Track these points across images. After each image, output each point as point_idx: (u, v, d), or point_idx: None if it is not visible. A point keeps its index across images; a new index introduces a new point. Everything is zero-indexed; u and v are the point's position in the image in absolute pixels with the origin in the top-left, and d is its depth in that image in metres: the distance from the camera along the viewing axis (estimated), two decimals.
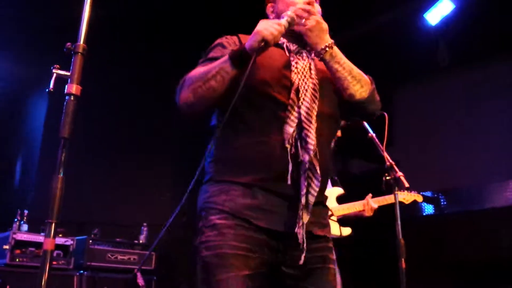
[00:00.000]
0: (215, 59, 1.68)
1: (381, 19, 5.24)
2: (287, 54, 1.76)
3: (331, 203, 3.28)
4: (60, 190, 1.38)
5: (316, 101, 1.68)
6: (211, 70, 1.60)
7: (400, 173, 2.70)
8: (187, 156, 5.41)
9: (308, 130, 1.61)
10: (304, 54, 1.77)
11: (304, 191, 1.59)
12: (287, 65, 1.71)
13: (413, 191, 3.75)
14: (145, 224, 4.53)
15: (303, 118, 1.62)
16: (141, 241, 4.36)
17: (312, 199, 1.60)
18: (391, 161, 2.76)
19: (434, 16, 4.90)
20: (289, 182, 1.57)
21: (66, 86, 1.44)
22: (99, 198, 4.87)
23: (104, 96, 4.95)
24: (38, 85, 4.94)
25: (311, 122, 1.63)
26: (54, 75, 1.46)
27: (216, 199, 1.62)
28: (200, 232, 1.63)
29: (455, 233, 5.37)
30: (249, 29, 1.70)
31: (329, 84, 1.82)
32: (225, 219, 1.58)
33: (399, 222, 2.64)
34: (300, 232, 1.58)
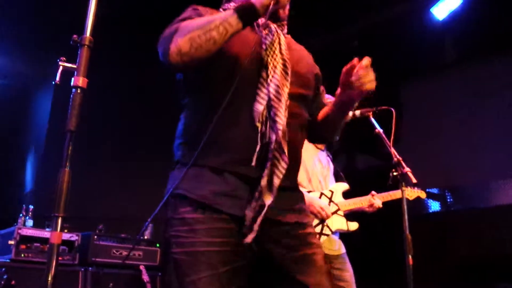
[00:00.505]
0: (199, 16, 1.61)
1: (388, 13, 5.20)
2: (256, 28, 1.69)
3: (337, 198, 3.26)
4: (66, 183, 1.37)
5: (287, 78, 1.60)
6: (213, 21, 1.48)
7: (407, 169, 2.69)
8: None
9: (277, 109, 1.53)
10: (273, 28, 1.69)
11: (266, 171, 1.49)
12: (256, 40, 1.60)
13: (416, 188, 3.73)
14: (149, 220, 4.52)
15: (272, 96, 1.54)
16: (146, 237, 4.35)
17: (277, 181, 1.49)
18: (398, 156, 2.74)
19: (441, 11, 4.86)
20: (253, 163, 1.49)
21: (73, 78, 1.43)
22: (104, 194, 4.87)
23: (112, 90, 4.95)
24: (42, 80, 4.94)
25: (280, 100, 1.55)
26: (61, 67, 1.45)
27: (185, 186, 1.52)
28: (170, 223, 1.52)
29: (461, 230, 5.35)
30: None
31: (305, 64, 1.78)
32: (195, 213, 1.47)
33: (406, 217, 2.63)
34: (249, 214, 1.47)
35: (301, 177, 3.33)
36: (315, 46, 5.52)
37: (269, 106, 1.54)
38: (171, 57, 1.49)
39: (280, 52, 1.64)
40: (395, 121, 2.98)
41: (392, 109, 3.03)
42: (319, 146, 3.34)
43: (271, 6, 1.50)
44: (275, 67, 1.59)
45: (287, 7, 1.77)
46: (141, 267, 3.88)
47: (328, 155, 3.47)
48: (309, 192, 3.15)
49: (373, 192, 3.39)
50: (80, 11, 1.73)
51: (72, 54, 1.49)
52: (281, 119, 1.52)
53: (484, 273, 4.96)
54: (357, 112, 3.04)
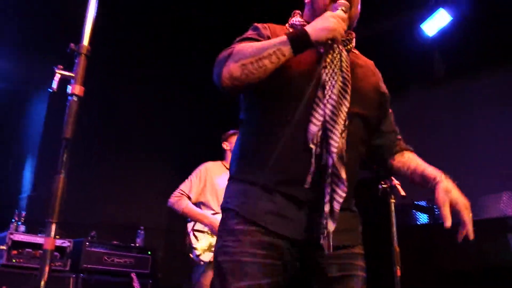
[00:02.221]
0: (257, 40, 1.61)
1: (378, 28, 5.28)
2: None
3: None
4: (61, 190, 1.39)
5: (347, 97, 1.56)
6: (266, 48, 1.49)
7: (396, 182, 2.74)
8: (187, 159, 5.43)
9: (331, 131, 1.50)
10: (335, 45, 1.59)
11: (327, 197, 1.48)
12: (317, 58, 1.59)
13: None
14: (142, 227, 4.53)
15: (327, 117, 1.51)
16: (138, 244, 4.36)
17: (337, 207, 1.48)
18: None
19: (431, 27, 4.93)
20: (306, 185, 1.48)
21: (70, 86, 1.45)
22: (97, 200, 4.87)
23: (103, 97, 4.96)
24: (37, 86, 4.95)
25: (335, 122, 1.51)
26: (58, 75, 1.48)
27: (234, 201, 1.57)
28: (219, 235, 1.58)
29: (449, 243, 5.38)
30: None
31: (369, 82, 1.74)
32: (242, 225, 1.51)
33: (394, 229, 2.68)
34: (326, 244, 1.47)
35: (209, 197, 3.45)
36: None
37: (324, 128, 1.51)
38: (223, 81, 1.52)
39: (340, 70, 1.59)
40: None
41: None
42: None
43: (328, 44, 1.51)
44: (333, 86, 1.55)
45: (356, 19, 1.74)
46: (132, 275, 3.89)
47: None
48: (215, 213, 3.34)
49: None
50: (77, 18, 1.76)
51: (69, 60, 1.52)
52: (336, 141, 1.50)
53: (470, 285, 4.99)
54: None
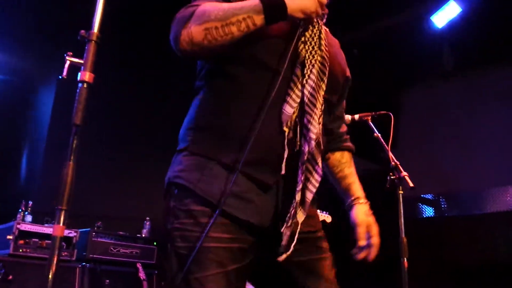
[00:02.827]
0: None
1: (388, 21, 5.25)
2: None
3: None
4: (71, 177, 1.38)
5: (324, 80, 1.45)
6: (236, 13, 1.31)
7: (404, 173, 2.72)
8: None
9: (310, 115, 1.38)
10: (314, 20, 1.47)
11: (300, 185, 1.37)
12: (293, 32, 1.41)
13: (323, 212, 3.83)
14: (148, 218, 4.54)
15: (306, 99, 1.38)
16: (144, 235, 4.37)
17: (310, 196, 1.39)
18: (396, 161, 2.77)
19: (440, 19, 4.90)
20: (283, 171, 1.35)
21: (80, 73, 1.44)
22: (103, 191, 4.88)
23: (114, 88, 4.95)
24: (45, 75, 4.94)
25: (315, 106, 1.39)
26: (68, 62, 1.47)
27: (189, 176, 1.39)
28: (173, 214, 1.40)
29: (455, 236, 5.38)
30: None
31: (338, 64, 1.60)
32: (200, 205, 1.35)
33: (402, 220, 2.66)
34: (287, 233, 1.37)
35: None
36: None
37: (302, 111, 1.39)
38: (180, 44, 1.37)
39: (319, 48, 1.46)
40: (393, 126, 3.02)
41: (390, 113, 3.07)
42: None
43: (301, 23, 1.41)
44: (313, 66, 1.41)
45: None
46: (138, 265, 3.90)
47: None
48: None
49: None
50: (84, 7, 1.73)
51: (76, 50, 1.50)
52: (315, 127, 1.38)
53: (477, 279, 4.98)
54: (356, 116, 3.07)
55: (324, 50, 1.48)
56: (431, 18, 4.94)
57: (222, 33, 1.32)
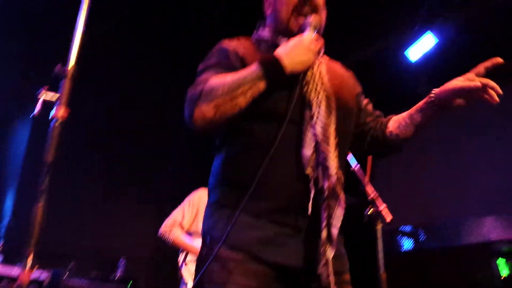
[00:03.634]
0: (227, 67, 1.52)
1: (364, 54, 5.35)
2: None
3: None
4: (40, 217, 1.33)
5: (333, 114, 1.50)
6: (241, 84, 1.40)
7: (382, 207, 2.71)
8: (169, 187, 5.36)
9: (325, 153, 1.43)
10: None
11: (324, 222, 1.39)
12: (296, 74, 1.48)
13: None
14: (123, 257, 4.42)
15: (319, 139, 1.43)
16: (118, 275, 4.24)
17: (335, 232, 1.40)
18: (373, 194, 2.76)
19: (415, 52, 4.99)
20: (309, 212, 1.38)
21: (54, 109, 1.41)
22: (77, 229, 4.77)
23: (87, 122, 4.90)
24: (21, 110, 4.87)
25: (328, 143, 1.44)
26: (41, 98, 1.44)
27: (220, 226, 1.43)
28: (202, 261, 1.43)
29: (434, 268, 5.38)
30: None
31: (347, 89, 1.68)
32: (230, 251, 1.38)
33: (381, 256, 2.64)
34: (325, 272, 1.37)
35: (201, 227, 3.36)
36: None
37: (318, 151, 1.43)
38: (195, 124, 1.43)
39: (322, 85, 1.53)
40: (371, 159, 3.02)
41: None
42: None
43: (301, 76, 1.49)
44: (319, 105, 1.47)
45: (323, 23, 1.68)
46: None
47: None
48: None
49: None
50: (63, 43, 1.72)
51: (55, 83, 1.48)
52: (332, 163, 1.43)
53: None
54: None
55: (327, 85, 1.54)
56: (405, 52, 5.03)
57: (231, 106, 1.40)
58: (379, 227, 2.75)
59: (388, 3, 4.79)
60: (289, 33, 1.59)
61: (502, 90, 1.50)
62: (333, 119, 1.50)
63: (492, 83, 1.50)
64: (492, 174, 5.26)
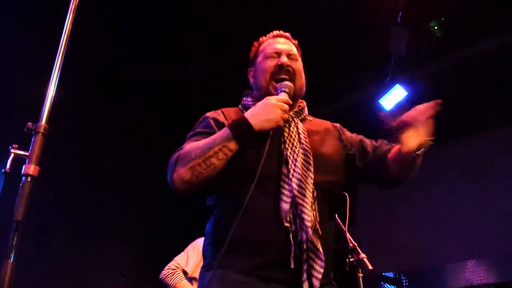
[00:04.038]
0: (207, 134, 1.62)
1: (338, 104, 5.48)
2: None
3: None
4: (9, 276, 1.29)
5: (310, 169, 1.56)
6: (211, 146, 1.49)
7: (363, 255, 2.70)
8: (147, 241, 5.27)
9: (302, 205, 1.47)
10: (290, 118, 1.66)
11: (305, 275, 1.42)
12: (274, 134, 1.57)
13: None
14: None
15: (295, 192, 1.49)
16: None
17: (317, 283, 1.42)
18: (354, 242, 2.76)
19: (388, 102, 5.12)
20: (292, 265, 1.42)
21: (24, 166, 1.39)
22: (51, 283, 4.60)
23: (59, 178, 4.83)
24: None
25: (304, 196, 1.49)
26: (12, 155, 1.42)
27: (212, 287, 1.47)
28: None
29: None
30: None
31: (329, 145, 1.74)
32: None
33: None
34: None
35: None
36: None
37: (295, 204, 1.48)
38: (176, 186, 1.52)
39: (300, 142, 1.61)
40: (349, 206, 3.02)
41: (346, 193, 3.09)
42: None
43: (270, 132, 1.55)
44: (296, 160, 1.54)
45: (303, 88, 1.80)
46: None
47: None
48: None
49: None
50: (34, 98, 1.72)
51: (23, 140, 1.47)
52: (308, 215, 1.47)
53: None
54: None
55: (304, 143, 1.61)
56: (379, 101, 5.16)
57: (205, 167, 1.48)
58: (360, 274, 2.73)
59: (363, 56, 4.96)
60: (267, 96, 1.67)
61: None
62: (310, 174, 1.55)
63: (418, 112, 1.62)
64: (469, 219, 5.31)
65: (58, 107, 1.52)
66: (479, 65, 4.83)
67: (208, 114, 1.75)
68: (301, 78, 1.79)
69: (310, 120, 1.83)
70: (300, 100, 1.82)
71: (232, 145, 1.49)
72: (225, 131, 1.52)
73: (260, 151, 1.53)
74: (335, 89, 5.39)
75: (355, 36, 4.78)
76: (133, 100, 5.45)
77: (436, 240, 5.44)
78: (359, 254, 2.72)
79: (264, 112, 1.53)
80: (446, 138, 5.58)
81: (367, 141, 1.88)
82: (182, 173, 1.50)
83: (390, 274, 5.84)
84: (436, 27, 4.63)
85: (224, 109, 1.78)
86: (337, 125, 1.92)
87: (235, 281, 1.44)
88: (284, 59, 1.74)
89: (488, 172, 5.34)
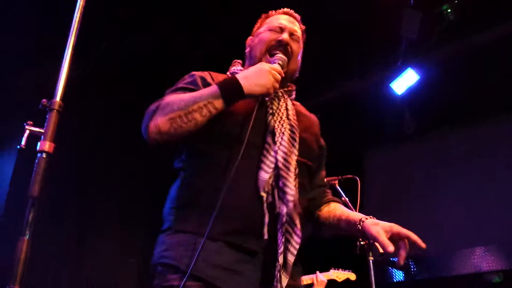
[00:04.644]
0: (190, 90, 1.55)
1: (351, 87, 5.43)
2: None
3: None
4: (25, 253, 1.29)
5: (296, 146, 1.54)
6: (197, 101, 1.43)
7: None
8: (157, 221, 5.28)
9: (286, 179, 1.46)
10: (280, 94, 1.64)
11: (281, 248, 1.40)
12: (262, 105, 1.56)
13: (348, 270, 3.79)
14: None
15: (280, 164, 1.47)
16: None
17: (291, 258, 1.42)
18: None
19: (400, 86, 5.08)
20: (265, 236, 1.39)
21: (39, 143, 1.39)
22: (64, 264, 4.65)
23: (75, 154, 4.85)
24: (6, 142, 4.81)
25: (289, 169, 1.48)
26: (27, 131, 1.42)
27: (174, 254, 1.41)
28: None
29: None
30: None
31: (312, 133, 1.74)
32: (186, 281, 1.33)
33: (373, 287, 2.61)
34: None
35: None
36: None
37: (277, 175, 1.46)
38: (150, 135, 1.46)
39: (288, 118, 1.59)
40: (360, 190, 3.03)
41: (357, 178, 3.09)
42: None
43: (260, 98, 1.52)
44: (283, 133, 1.53)
45: (297, 71, 1.77)
46: None
47: None
48: None
49: (317, 271, 3.42)
50: (46, 75, 1.71)
51: (40, 116, 1.46)
52: (291, 189, 1.45)
53: None
54: None
55: (292, 119, 1.60)
56: (390, 85, 5.12)
57: (186, 120, 1.42)
58: (371, 258, 2.73)
59: (373, 39, 4.91)
60: None
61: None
62: (295, 150, 1.54)
63: (403, 252, 1.49)
64: (478, 205, 5.28)
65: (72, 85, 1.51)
66: (492, 49, 4.77)
67: (194, 72, 1.68)
68: (297, 61, 1.75)
69: (297, 105, 1.81)
70: (290, 84, 1.79)
71: (218, 104, 1.44)
72: (213, 88, 1.46)
73: (245, 117, 1.50)
74: (346, 72, 5.34)
75: (367, 18, 4.72)
76: (149, 78, 5.42)
77: (443, 226, 5.43)
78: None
79: (256, 76, 1.48)
80: (455, 122, 5.54)
81: (321, 172, 1.85)
82: (160, 122, 1.44)
83: None
84: (448, 10, 4.57)
85: (211, 72, 1.72)
86: (317, 120, 1.89)
87: (203, 248, 1.34)
88: (285, 36, 1.69)
89: (498, 157, 5.31)
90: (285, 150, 1.49)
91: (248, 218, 1.41)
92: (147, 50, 5.02)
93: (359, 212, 2.79)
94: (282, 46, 1.67)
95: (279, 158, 1.47)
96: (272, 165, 1.46)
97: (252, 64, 1.68)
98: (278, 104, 1.61)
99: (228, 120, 1.50)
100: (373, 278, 2.65)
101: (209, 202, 1.39)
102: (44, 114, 1.44)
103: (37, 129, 1.41)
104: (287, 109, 1.62)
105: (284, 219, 1.42)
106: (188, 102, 1.44)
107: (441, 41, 4.78)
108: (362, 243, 2.71)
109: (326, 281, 3.38)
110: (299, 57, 1.77)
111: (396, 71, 5.05)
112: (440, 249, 5.49)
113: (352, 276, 3.83)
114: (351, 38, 4.93)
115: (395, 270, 5.79)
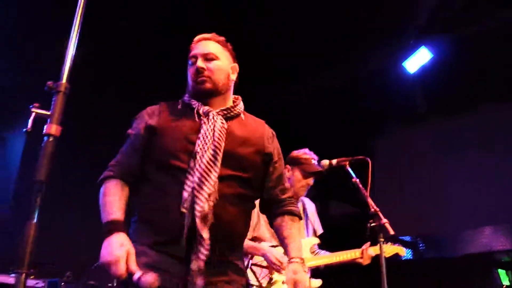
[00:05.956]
0: (133, 136, 1.89)
1: (362, 67, 5.34)
2: (197, 118, 1.85)
3: (304, 254, 3.21)
4: (32, 237, 1.28)
5: (217, 164, 1.76)
6: (102, 211, 1.75)
7: (385, 220, 2.66)
8: None
9: (197, 197, 1.70)
10: (211, 115, 1.84)
11: (194, 256, 1.68)
12: (195, 130, 1.81)
13: (396, 244, 3.71)
14: None
15: (195, 184, 1.72)
16: (115, 284, 4.18)
17: (201, 264, 1.67)
18: (375, 207, 2.71)
19: (413, 65, 4.99)
20: (184, 245, 1.68)
21: (45, 126, 1.36)
22: (73, 239, 4.71)
23: (82, 136, 4.85)
24: (15, 125, 4.82)
25: (201, 188, 1.71)
26: (33, 114, 1.39)
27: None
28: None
29: (434, 278, 5.34)
30: None
31: (249, 146, 1.90)
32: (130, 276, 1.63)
33: (384, 270, 2.58)
34: None
35: (263, 232, 3.26)
36: (293, 99, 5.61)
37: (193, 194, 1.71)
38: (101, 182, 1.87)
39: (213, 139, 1.79)
40: (371, 171, 2.98)
41: (368, 159, 3.04)
42: None
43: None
44: (203, 156, 1.75)
45: (227, 83, 1.96)
46: None
47: (305, 209, 3.45)
48: (273, 246, 3.08)
49: (368, 243, 3.38)
50: (54, 57, 1.68)
51: (48, 98, 1.43)
52: (200, 205, 1.70)
53: None
54: (334, 161, 3.03)
55: (217, 140, 1.79)
56: (403, 64, 5.02)
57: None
58: (381, 239, 2.71)
59: (385, 15, 4.80)
60: (196, 96, 1.91)
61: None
62: (215, 168, 1.75)
63: None
64: (490, 185, 5.24)
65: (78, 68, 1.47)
66: (506, 30, 4.65)
67: (145, 110, 1.95)
68: (220, 74, 1.91)
69: (242, 119, 1.97)
70: (235, 97, 2.00)
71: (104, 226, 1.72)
72: (106, 218, 1.72)
73: (181, 145, 1.80)
74: (359, 51, 5.24)
75: None
76: (156, 59, 5.38)
77: (453, 205, 5.41)
78: (381, 219, 2.67)
79: (108, 252, 1.64)
80: (469, 105, 5.46)
81: (272, 177, 2.04)
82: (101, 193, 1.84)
83: (407, 238, 5.85)
84: None
85: (164, 104, 1.95)
86: (271, 130, 2.06)
87: (139, 251, 1.67)
88: (199, 63, 1.89)
89: (508, 138, 5.24)
90: (201, 171, 1.73)
91: (174, 232, 1.70)
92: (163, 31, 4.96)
93: (369, 192, 2.79)
94: (199, 73, 1.88)
95: (195, 179, 1.72)
96: (191, 185, 1.72)
97: (190, 91, 1.95)
98: (207, 126, 1.82)
99: (167, 147, 1.80)
100: (383, 261, 2.62)
101: (146, 219, 1.81)
102: (50, 97, 1.41)
103: (43, 112, 1.39)
104: (213, 131, 1.81)
105: (198, 232, 1.68)
106: (101, 203, 1.78)
107: (455, 20, 4.67)
108: (373, 224, 2.69)
109: (374, 255, 3.33)
110: (221, 70, 1.92)
111: (409, 50, 4.94)
112: (449, 227, 5.48)
113: (402, 251, 3.74)
114: (365, 15, 4.83)
115: (404, 248, 5.80)
